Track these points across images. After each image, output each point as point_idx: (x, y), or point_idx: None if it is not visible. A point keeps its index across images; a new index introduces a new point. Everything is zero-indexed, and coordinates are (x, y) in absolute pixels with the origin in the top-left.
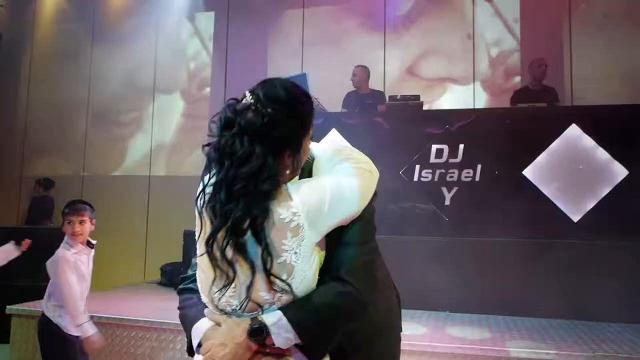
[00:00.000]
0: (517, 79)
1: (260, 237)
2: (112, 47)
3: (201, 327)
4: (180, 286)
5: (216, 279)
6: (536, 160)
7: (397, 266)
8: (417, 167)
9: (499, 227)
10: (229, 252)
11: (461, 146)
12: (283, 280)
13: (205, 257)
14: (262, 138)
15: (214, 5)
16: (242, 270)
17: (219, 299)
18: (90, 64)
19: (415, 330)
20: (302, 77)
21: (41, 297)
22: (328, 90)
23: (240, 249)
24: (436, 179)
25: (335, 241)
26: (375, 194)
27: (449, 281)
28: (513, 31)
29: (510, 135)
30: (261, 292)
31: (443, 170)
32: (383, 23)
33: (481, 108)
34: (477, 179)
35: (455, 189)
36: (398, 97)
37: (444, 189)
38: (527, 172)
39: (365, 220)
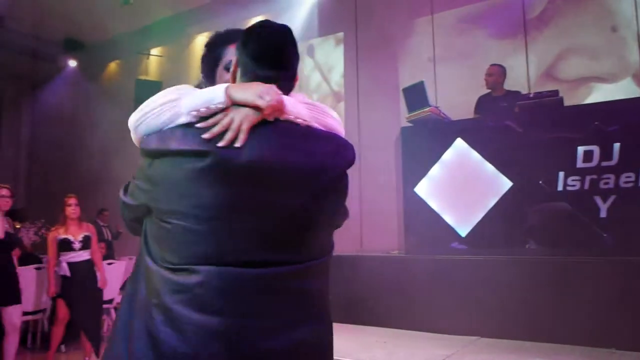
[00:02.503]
0: None
1: None
2: None
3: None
4: None
5: None
6: None
7: (547, 292)
8: (561, 174)
9: None
10: None
11: (616, 145)
12: None
13: None
14: None
15: (343, 27)
16: None
17: None
18: None
19: None
20: (420, 85)
21: None
22: (458, 99)
23: None
24: (586, 187)
25: None
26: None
27: (617, 312)
28: None
29: None
30: None
31: (595, 176)
32: (516, 29)
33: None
34: None
35: (612, 198)
36: (531, 95)
37: (598, 199)
38: None
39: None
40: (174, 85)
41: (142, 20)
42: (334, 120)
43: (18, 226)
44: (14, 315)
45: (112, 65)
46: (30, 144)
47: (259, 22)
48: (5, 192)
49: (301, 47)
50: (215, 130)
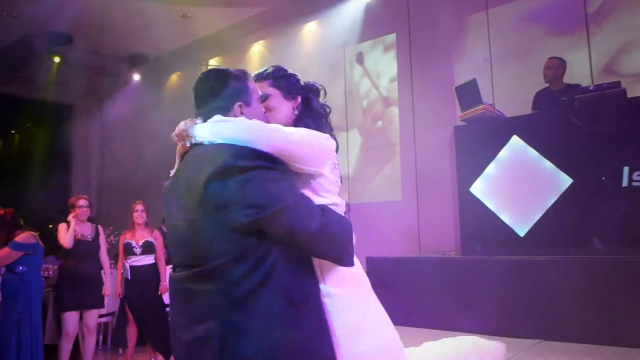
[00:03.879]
0: None
1: None
2: None
3: None
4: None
5: None
6: None
7: (611, 293)
8: (626, 169)
9: None
10: None
11: None
12: None
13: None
14: None
15: (395, 26)
16: None
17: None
18: None
19: None
20: (473, 82)
21: None
22: (515, 96)
23: None
24: None
25: None
26: None
27: None
28: None
29: None
30: None
31: None
32: (573, 24)
33: None
34: None
35: None
36: (591, 88)
37: None
38: None
39: None
40: None
41: (199, 32)
42: (229, 130)
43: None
44: (92, 318)
45: (174, 77)
46: (100, 155)
47: None
48: (83, 202)
49: (350, 54)
50: None
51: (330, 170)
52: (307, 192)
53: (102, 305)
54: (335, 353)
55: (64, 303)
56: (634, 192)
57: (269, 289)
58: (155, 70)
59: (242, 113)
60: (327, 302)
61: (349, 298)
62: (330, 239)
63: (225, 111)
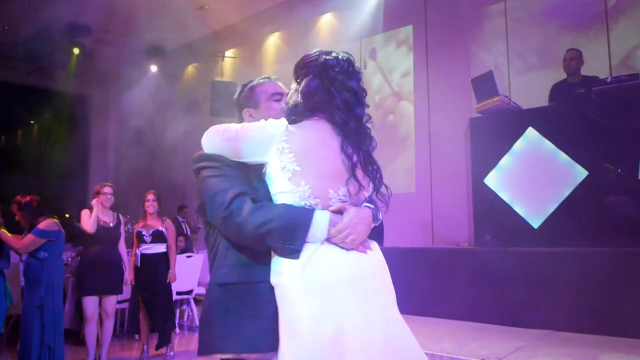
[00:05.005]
0: None
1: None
2: None
3: (323, 217)
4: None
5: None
6: None
7: (626, 286)
8: None
9: None
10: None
11: None
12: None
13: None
14: None
15: (411, 19)
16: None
17: (336, 197)
18: None
19: None
20: (489, 74)
21: None
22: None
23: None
24: None
25: None
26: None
27: None
28: None
29: None
30: (364, 192)
31: None
32: (590, 19)
33: None
34: None
35: None
36: (609, 80)
37: None
38: None
39: None
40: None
41: (216, 24)
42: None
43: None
44: (111, 304)
45: (190, 69)
46: (117, 146)
47: None
48: (108, 189)
49: (365, 48)
50: None
51: (278, 155)
52: (259, 182)
53: (120, 292)
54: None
55: (85, 288)
56: None
57: (213, 268)
58: (172, 61)
59: (251, 116)
60: (276, 291)
61: (287, 293)
62: (235, 229)
63: (239, 119)
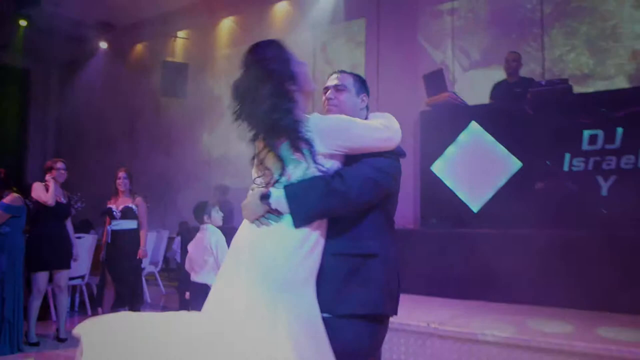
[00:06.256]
0: None
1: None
2: None
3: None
4: None
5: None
6: None
7: (554, 263)
8: (568, 155)
9: None
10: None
11: (619, 130)
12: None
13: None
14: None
15: (364, 12)
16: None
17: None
18: None
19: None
20: (439, 72)
21: None
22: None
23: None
24: (590, 168)
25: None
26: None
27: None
28: None
29: None
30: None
31: (598, 158)
32: (527, 26)
33: (638, 87)
34: None
35: (613, 178)
36: (543, 83)
37: (600, 179)
38: None
39: (387, 157)
40: (200, 65)
41: (170, 4)
42: None
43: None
44: (62, 279)
45: (139, 47)
46: (59, 125)
47: None
48: (60, 165)
49: (317, 40)
50: None
51: None
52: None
53: (70, 266)
54: None
55: (37, 263)
56: (573, 176)
57: None
58: (122, 39)
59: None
60: None
61: None
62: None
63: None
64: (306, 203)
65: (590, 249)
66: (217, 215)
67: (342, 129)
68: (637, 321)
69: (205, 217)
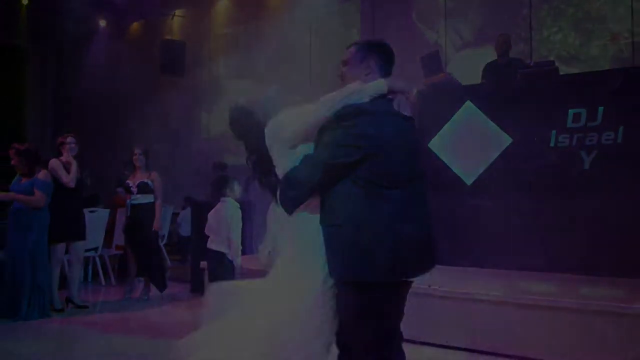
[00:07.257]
0: None
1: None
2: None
3: None
4: None
5: None
6: None
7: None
8: (554, 132)
9: None
10: None
11: (600, 109)
12: None
13: None
14: None
15: None
16: None
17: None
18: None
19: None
20: (436, 53)
21: None
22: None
23: None
24: (574, 144)
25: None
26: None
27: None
28: None
29: None
30: None
31: (581, 135)
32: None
33: (617, 68)
34: (620, 141)
35: (595, 153)
36: (532, 64)
37: (583, 153)
38: None
39: (346, 126)
40: (198, 44)
41: None
42: None
43: None
44: (81, 249)
45: (135, 25)
46: (57, 103)
47: (382, 40)
48: (70, 139)
49: (309, 25)
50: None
51: None
52: None
53: (86, 238)
54: None
55: (55, 235)
56: (559, 151)
57: None
58: (119, 17)
59: None
60: None
61: None
62: None
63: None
64: (281, 195)
65: (573, 217)
66: (237, 189)
67: (276, 131)
68: (615, 282)
69: (228, 191)
